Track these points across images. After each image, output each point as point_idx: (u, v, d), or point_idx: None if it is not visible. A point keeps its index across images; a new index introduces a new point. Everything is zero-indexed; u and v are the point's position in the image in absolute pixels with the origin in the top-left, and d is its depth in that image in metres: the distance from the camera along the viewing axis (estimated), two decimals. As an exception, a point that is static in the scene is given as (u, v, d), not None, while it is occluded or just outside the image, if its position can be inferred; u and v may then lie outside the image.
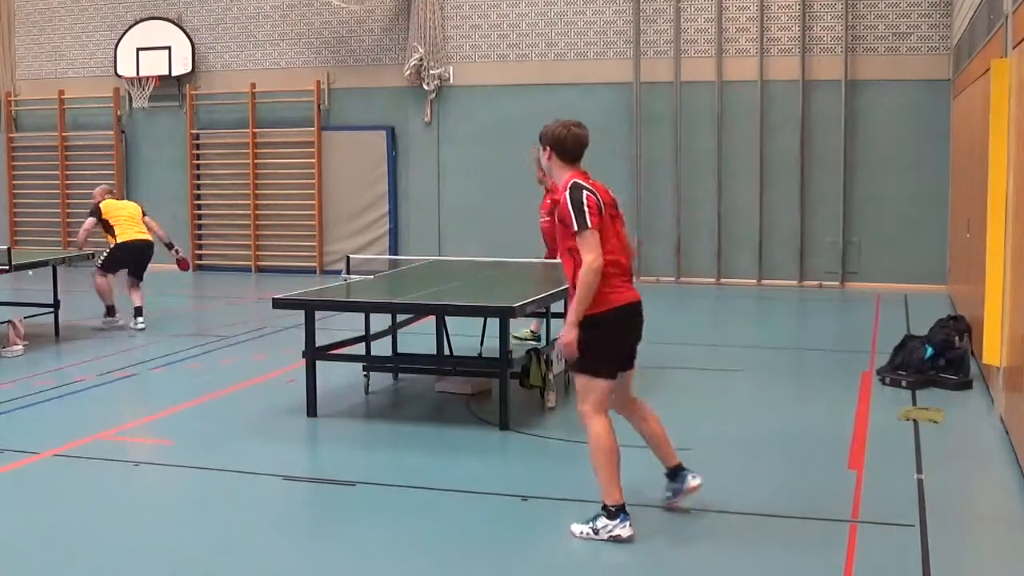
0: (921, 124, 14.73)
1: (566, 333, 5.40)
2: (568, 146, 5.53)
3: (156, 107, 17.85)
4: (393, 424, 7.88)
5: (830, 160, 15.06)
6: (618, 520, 5.38)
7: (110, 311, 11.86)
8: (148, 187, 17.97)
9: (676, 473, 5.78)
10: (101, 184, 13.17)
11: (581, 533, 5.42)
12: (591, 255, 5.29)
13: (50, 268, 11.43)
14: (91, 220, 12.08)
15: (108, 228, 12.03)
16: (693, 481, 5.74)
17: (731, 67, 15.34)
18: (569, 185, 5.44)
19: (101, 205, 12.08)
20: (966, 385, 8.59)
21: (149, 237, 12.09)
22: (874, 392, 8.57)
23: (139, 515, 5.91)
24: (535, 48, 16.10)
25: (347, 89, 17.08)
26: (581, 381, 5.51)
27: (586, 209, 5.31)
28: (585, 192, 5.39)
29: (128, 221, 12.01)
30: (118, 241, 11.89)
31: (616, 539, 5.35)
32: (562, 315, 8.73)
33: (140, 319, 11.71)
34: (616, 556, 5.24)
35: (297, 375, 8.40)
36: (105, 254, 11.95)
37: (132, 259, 11.99)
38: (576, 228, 5.31)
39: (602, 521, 5.39)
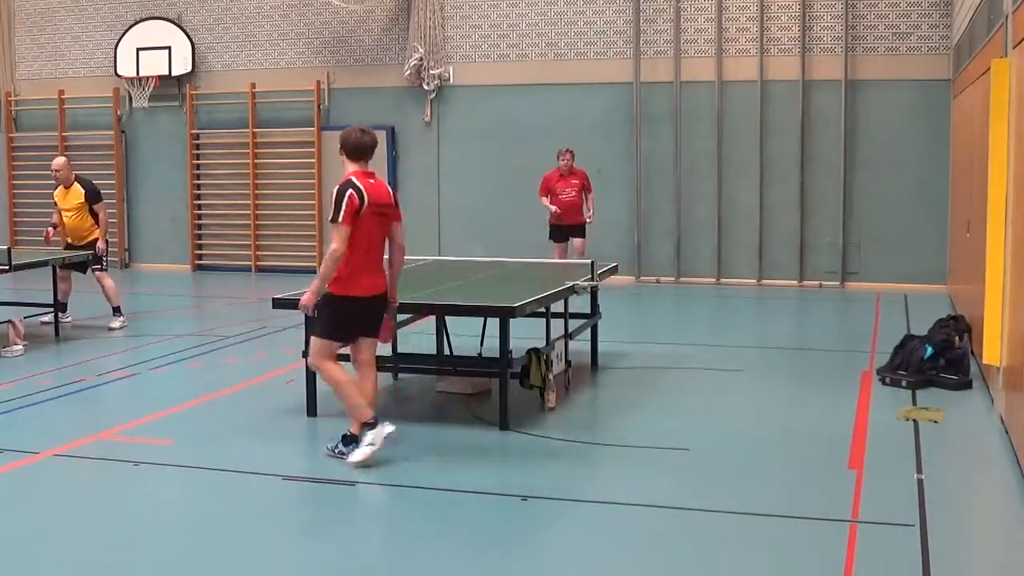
0: (921, 124, 14.73)
1: (305, 296, 6.63)
2: (349, 148, 6.67)
3: (156, 107, 17.84)
4: (393, 424, 7.85)
5: (830, 160, 15.06)
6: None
7: (118, 311, 11.79)
8: (148, 187, 18.00)
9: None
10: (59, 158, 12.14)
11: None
12: (335, 244, 6.42)
13: (50, 268, 11.39)
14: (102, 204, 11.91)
15: (96, 217, 11.84)
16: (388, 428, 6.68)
17: (731, 67, 15.34)
18: (344, 180, 6.55)
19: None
20: (966, 385, 8.59)
21: None
22: (874, 392, 8.56)
23: (139, 514, 5.91)
24: (535, 48, 16.09)
25: (347, 89, 17.07)
26: (312, 339, 6.81)
27: (344, 206, 6.42)
28: (350, 191, 6.45)
29: None
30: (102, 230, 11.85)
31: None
32: (561, 315, 8.77)
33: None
34: (615, 556, 5.24)
35: (297, 375, 8.39)
36: (106, 252, 11.92)
37: None
38: (331, 218, 6.47)
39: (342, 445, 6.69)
